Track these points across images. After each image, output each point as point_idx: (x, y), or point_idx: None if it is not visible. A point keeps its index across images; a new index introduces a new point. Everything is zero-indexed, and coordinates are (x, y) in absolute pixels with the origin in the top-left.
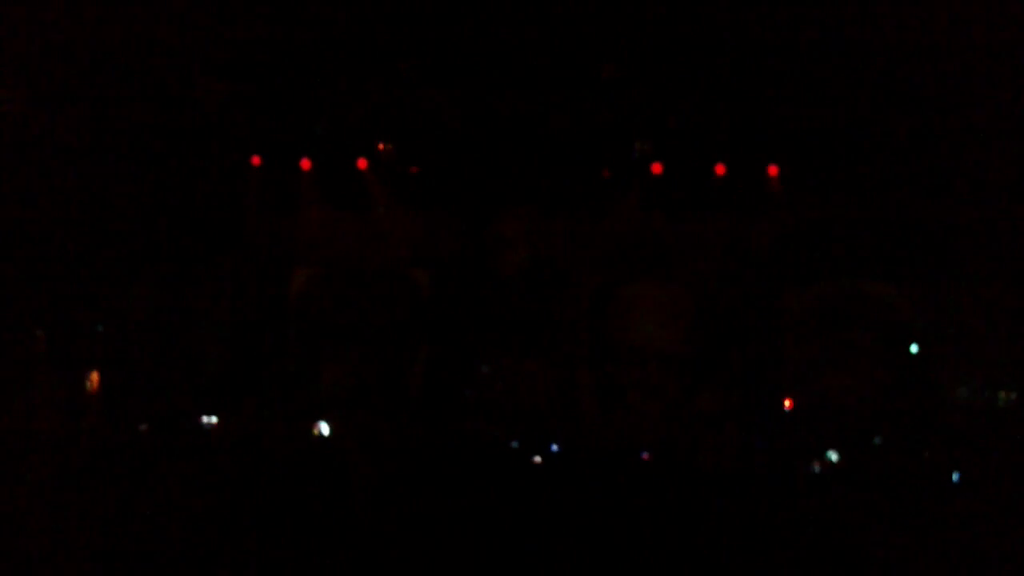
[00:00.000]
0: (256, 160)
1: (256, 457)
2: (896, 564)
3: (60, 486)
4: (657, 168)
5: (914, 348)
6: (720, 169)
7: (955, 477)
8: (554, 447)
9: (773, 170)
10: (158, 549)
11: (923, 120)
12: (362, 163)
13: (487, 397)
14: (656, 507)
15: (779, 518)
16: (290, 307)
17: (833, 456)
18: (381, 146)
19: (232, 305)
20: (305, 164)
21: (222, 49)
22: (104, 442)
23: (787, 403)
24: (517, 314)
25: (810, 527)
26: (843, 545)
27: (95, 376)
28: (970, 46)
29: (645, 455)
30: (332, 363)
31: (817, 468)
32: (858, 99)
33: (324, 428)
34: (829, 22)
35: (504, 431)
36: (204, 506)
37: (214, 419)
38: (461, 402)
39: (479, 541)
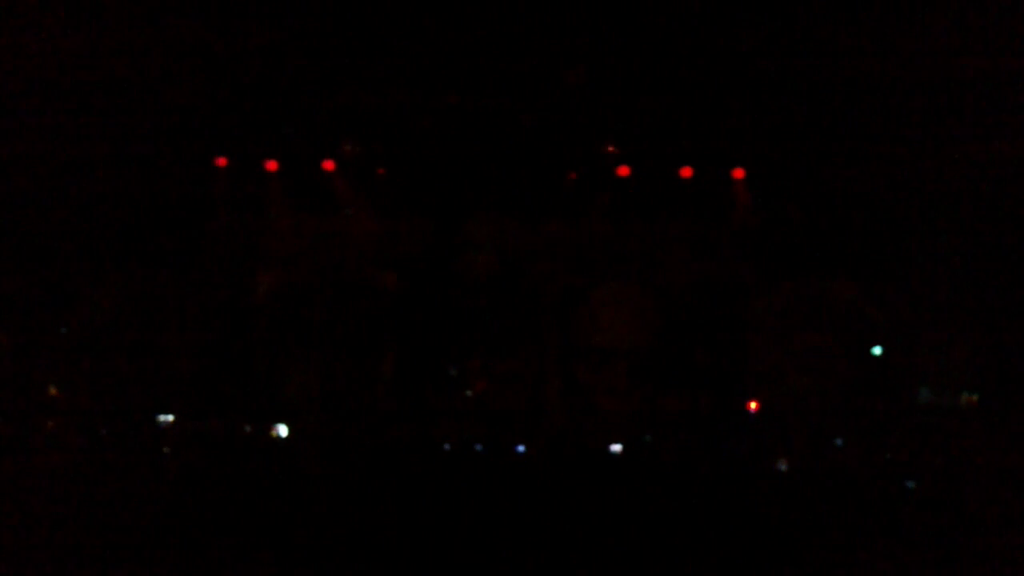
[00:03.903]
0: (222, 161)
1: (217, 458)
2: (856, 564)
3: (22, 488)
4: (624, 171)
5: (877, 350)
6: (686, 172)
7: (910, 485)
8: (520, 448)
9: (739, 173)
10: (114, 548)
11: (889, 124)
12: (329, 165)
13: (455, 400)
14: (621, 507)
15: (743, 518)
16: (256, 309)
17: (795, 457)
18: (348, 148)
19: (197, 308)
20: (272, 166)
21: (189, 50)
22: (66, 444)
23: (752, 404)
24: (485, 317)
25: (773, 527)
26: (805, 544)
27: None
28: (933, 50)
29: (615, 447)
30: (298, 366)
31: (781, 468)
32: (824, 102)
33: (283, 431)
34: (794, 25)
35: (471, 433)
36: (163, 507)
37: (170, 418)
38: (428, 405)
39: (445, 543)
